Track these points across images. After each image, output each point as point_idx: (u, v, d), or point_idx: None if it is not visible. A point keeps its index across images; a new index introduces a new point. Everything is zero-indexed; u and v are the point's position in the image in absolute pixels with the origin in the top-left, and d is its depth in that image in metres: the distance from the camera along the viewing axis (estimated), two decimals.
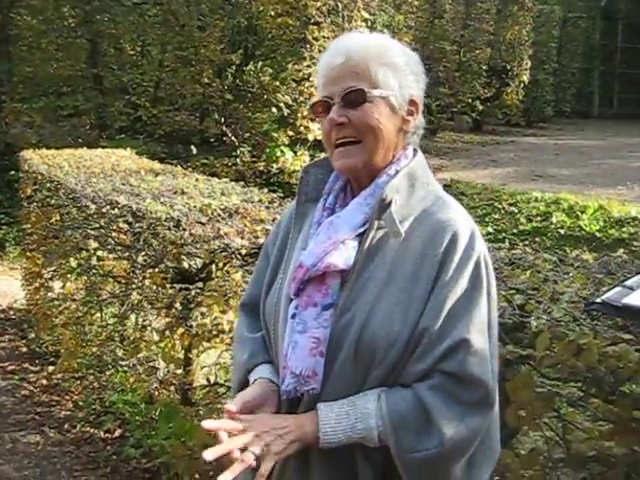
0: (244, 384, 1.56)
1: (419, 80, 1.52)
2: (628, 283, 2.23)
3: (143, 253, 3.58)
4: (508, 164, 12.29)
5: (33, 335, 5.64)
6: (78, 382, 4.73)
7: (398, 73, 1.46)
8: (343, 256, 1.43)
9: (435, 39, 14.60)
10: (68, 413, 4.45)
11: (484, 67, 17.72)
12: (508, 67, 18.89)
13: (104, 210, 3.90)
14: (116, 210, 3.74)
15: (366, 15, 9.69)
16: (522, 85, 19.35)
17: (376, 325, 1.37)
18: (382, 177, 1.47)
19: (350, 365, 1.39)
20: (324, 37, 9.07)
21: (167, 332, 3.37)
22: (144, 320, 3.59)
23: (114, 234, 3.80)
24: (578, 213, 8.38)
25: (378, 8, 10.14)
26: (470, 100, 17.02)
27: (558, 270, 2.59)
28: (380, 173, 1.48)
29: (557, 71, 24.81)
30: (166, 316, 3.33)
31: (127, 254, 3.81)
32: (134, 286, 3.95)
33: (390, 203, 1.41)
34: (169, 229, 3.29)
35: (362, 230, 1.44)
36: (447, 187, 10.24)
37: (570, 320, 2.04)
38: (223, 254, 3.02)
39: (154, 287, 3.52)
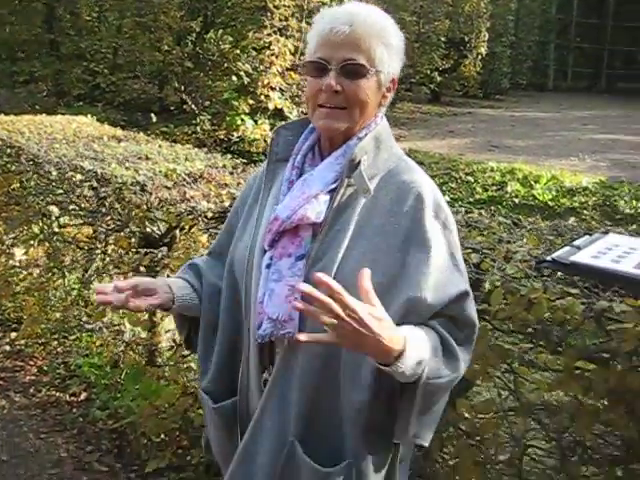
0: None
1: (401, 59, 1.62)
2: (576, 243, 2.40)
3: (108, 218, 3.61)
4: (465, 135, 12.50)
5: None
6: (42, 347, 4.74)
7: (390, 53, 1.56)
8: (315, 210, 1.53)
9: (395, 9, 14.64)
10: (33, 378, 4.48)
11: (442, 39, 17.86)
12: (466, 39, 19.07)
13: (68, 175, 3.90)
14: (79, 175, 3.75)
15: None
16: (480, 57, 19.58)
17: (346, 273, 1.47)
18: (353, 139, 1.58)
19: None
20: (285, 6, 9.04)
21: None
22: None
23: (77, 200, 3.81)
24: (532, 183, 8.63)
25: None
26: (428, 71, 17.18)
27: (512, 232, 2.74)
28: (351, 136, 1.59)
29: (514, 44, 25.11)
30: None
31: (91, 219, 3.83)
32: (98, 251, 3.99)
33: (359, 163, 1.52)
34: (135, 193, 3.33)
35: (333, 187, 1.55)
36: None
37: (522, 277, 2.19)
38: (190, 217, 3.08)
39: (120, 251, 3.57)
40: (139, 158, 3.98)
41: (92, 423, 3.90)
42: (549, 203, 8.19)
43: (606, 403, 2.02)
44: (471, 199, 8.34)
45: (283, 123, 1.77)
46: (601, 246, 2.33)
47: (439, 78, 17.41)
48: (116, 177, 3.46)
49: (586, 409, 2.06)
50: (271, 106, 10.50)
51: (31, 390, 4.31)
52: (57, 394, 4.25)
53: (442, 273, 1.50)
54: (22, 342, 4.91)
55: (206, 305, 1.76)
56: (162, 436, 3.47)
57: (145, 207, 3.26)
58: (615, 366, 1.98)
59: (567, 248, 2.32)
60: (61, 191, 4.15)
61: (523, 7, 26.70)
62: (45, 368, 4.55)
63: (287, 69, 9.45)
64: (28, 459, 3.58)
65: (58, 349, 4.63)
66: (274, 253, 1.56)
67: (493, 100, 20.93)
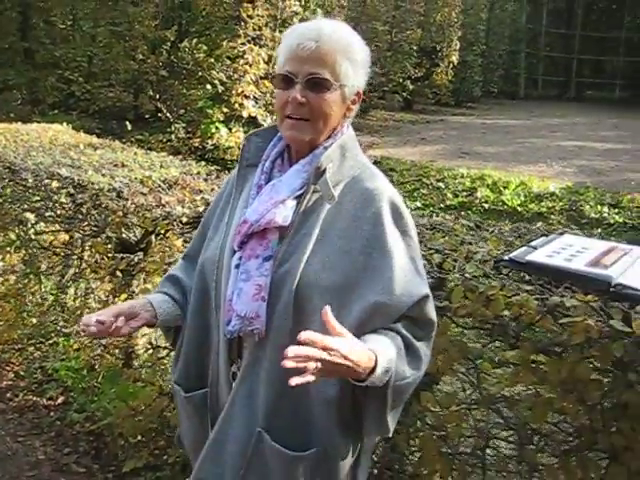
0: None
1: (366, 73, 1.72)
2: (533, 243, 2.55)
3: (85, 223, 3.68)
4: (437, 142, 12.70)
5: None
6: (18, 353, 4.78)
7: (355, 68, 1.65)
8: (282, 214, 1.63)
9: (367, 19, 14.83)
10: (10, 383, 4.51)
11: (415, 48, 18.11)
12: (438, 48, 19.36)
13: (44, 183, 3.97)
14: (56, 183, 3.82)
15: None
16: (451, 66, 19.88)
17: (311, 274, 1.58)
18: (319, 148, 1.68)
19: (291, 308, 1.59)
20: (258, 15, 9.15)
21: (110, 298, 3.50)
22: (87, 288, 3.71)
23: (54, 206, 3.88)
24: (501, 189, 8.82)
25: None
26: (401, 80, 17.40)
27: (474, 234, 2.88)
28: (318, 145, 1.69)
29: (485, 53, 25.51)
30: (109, 282, 3.46)
31: (67, 226, 3.90)
32: (75, 257, 4.05)
33: (324, 171, 1.63)
34: (111, 199, 3.42)
35: (300, 193, 1.65)
36: (377, 163, 10.53)
37: (481, 275, 2.32)
38: (165, 222, 3.17)
39: (97, 256, 3.64)
40: (115, 165, 4.06)
41: (69, 426, 3.95)
42: (517, 208, 8.39)
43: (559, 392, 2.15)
44: (442, 205, 8.50)
45: (254, 130, 1.86)
46: (556, 246, 2.48)
47: (411, 86, 17.65)
48: (93, 184, 3.54)
49: (541, 399, 2.19)
50: (245, 114, 10.60)
51: (8, 395, 4.34)
52: (34, 398, 4.29)
53: (405, 277, 1.60)
54: None
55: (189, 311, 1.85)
56: (139, 437, 3.53)
57: (121, 213, 3.34)
58: (566, 358, 2.11)
59: (524, 248, 2.47)
60: (37, 198, 4.20)
61: (494, 17, 27.15)
62: (22, 373, 4.58)
63: (261, 77, 9.56)
64: (6, 462, 3.63)
65: (35, 354, 4.66)
66: (243, 254, 1.65)
67: (465, 108, 21.25)
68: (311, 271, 1.59)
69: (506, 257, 2.37)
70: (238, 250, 1.67)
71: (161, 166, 4.14)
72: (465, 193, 8.83)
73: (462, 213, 7.82)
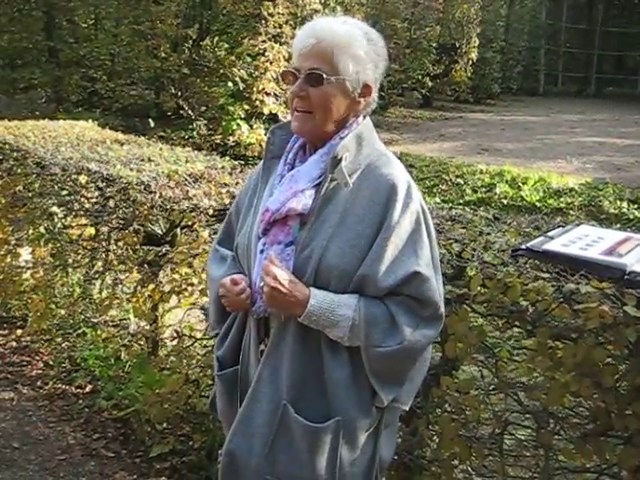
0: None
1: (378, 66, 1.81)
2: (550, 234, 2.62)
3: (114, 216, 3.79)
4: (456, 138, 12.70)
5: (0, 301, 5.77)
6: (47, 343, 4.92)
7: (358, 63, 1.74)
8: (301, 202, 1.74)
9: (386, 16, 14.87)
10: (39, 372, 4.64)
11: (434, 44, 18.10)
12: (457, 45, 19.32)
13: (72, 177, 4.09)
14: (85, 177, 3.94)
15: None
16: (470, 62, 19.84)
17: (330, 258, 1.70)
18: (336, 139, 1.78)
19: None
20: (279, 13, 9.24)
21: (138, 289, 3.62)
22: (115, 280, 3.82)
23: (81, 200, 3.99)
24: (520, 184, 8.83)
25: None
26: (420, 77, 17.42)
27: (492, 226, 2.95)
28: (334, 136, 1.79)
29: (504, 49, 25.37)
30: (138, 273, 3.58)
31: (95, 219, 4.01)
32: (102, 249, 4.17)
33: (341, 160, 1.73)
34: (140, 192, 3.52)
35: (318, 182, 1.76)
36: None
37: (499, 263, 2.40)
38: (192, 214, 3.28)
39: (124, 248, 3.75)
40: (142, 160, 4.16)
41: (98, 413, 4.07)
42: (536, 204, 8.40)
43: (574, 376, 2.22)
44: (461, 201, 8.53)
45: (278, 124, 1.96)
46: (572, 236, 2.55)
47: (430, 83, 17.65)
48: (121, 178, 3.65)
49: (557, 383, 2.26)
50: (266, 111, 10.71)
51: (38, 383, 4.48)
52: (63, 386, 4.42)
53: (396, 256, 1.70)
54: (28, 338, 5.09)
55: None
56: (165, 423, 3.65)
57: (149, 205, 3.45)
58: (582, 343, 2.18)
59: (541, 238, 2.54)
60: (66, 192, 4.32)
61: (513, 13, 27.00)
62: (51, 362, 4.72)
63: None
64: (39, 446, 3.76)
65: (63, 344, 4.80)
66: (266, 240, 1.78)
67: (484, 105, 21.19)
68: (330, 255, 1.69)
69: (523, 246, 2.44)
70: (262, 236, 1.79)
71: (187, 161, 4.24)
72: (484, 189, 8.86)
73: (481, 209, 7.84)
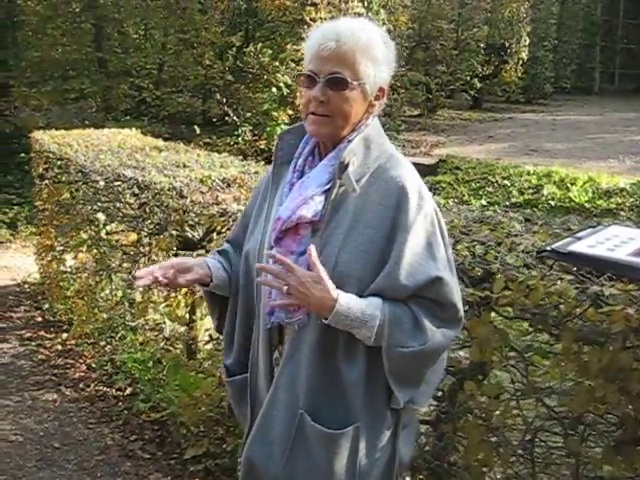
0: None
1: (390, 68, 1.78)
2: (578, 235, 2.54)
3: (149, 222, 3.86)
4: (504, 139, 12.48)
5: (47, 305, 5.96)
6: (91, 346, 5.05)
7: (376, 65, 1.72)
8: (312, 209, 1.72)
9: (432, 18, 14.73)
10: (82, 374, 4.78)
11: (482, 45, 17.83)
12: (507, 44, 18.99)
13: (112, 184, 4.18)
14: (119, 183, 4.03)
15: None
16: (521, 62, 19.47)
17: (342, 265, 1.68)
18: (344, 143, 1.76)
19: None
20: (321, 18, 9.25)
21: (172, 292, 3.67)
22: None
23: (120, 205, 4.08)
24: (568, 185, 8.61)
25: None
26: (468, 78, 17.19)
27: (522, 227, 2.88)
28: (344, 140, 1.76)
29: (557, 47, 24.79)
30: None
31: (134, 224, 4.10)
32: (141, 254, 4.25)
33: (348, 165, 1.70)
34: (172, 198, 3.58)
35: (328, 187, 1.74)
36: (442, 162, 10.47)
37: (521, 265, 2.34)
38: (221, 219, 3.31)
39: (160, 252, 3.81)
40: (177, 166, 4.23)
41: (136, 415, 4.16)
42: (585, 205, 8.18)
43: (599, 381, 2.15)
44: (507, 202, 8.38)
45: (287, 128, 1.96)
46: (601, 237, 2.46)
47: (479, 84, 17.39)
48: (155, 184, 3.71)
49: (582, 388, 2.20)
50: None
51: (80, 385, 4.61)
52: (104, 389, 4.54)
53: (415, 260, 1.67)
54: (73, 342, 5.24)
55: (233, 288, 1.96)
56: (200, 426, 3.69)
57: (182, 211, 3.50)
58: (607, 347, 2.11)
59: (569, 239, 2.46)
60: (106, 199, 4.44)
61: (566, 10, 26.36)
62: (93, 365, 4.85)
63: None
64: (78, 446, 3.86)
65: (106, 348, 4.92)
66: (280, 250, 1.75)
67: (536, 105, 20.76)
68: (342, 262, 1.68)
69: (548, 248, 2.37)
70: (275, 246, 1.77)
71: (221, 166, 4.29)
72: (531, 190, 8.67)
73: (527, 211, 7.69)
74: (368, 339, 1.66)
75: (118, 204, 4.24)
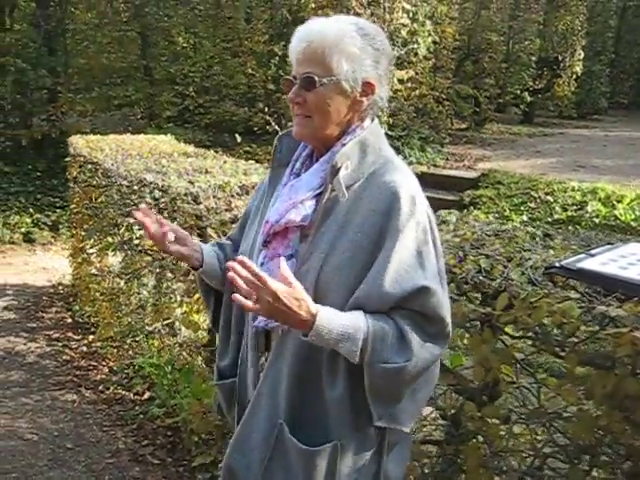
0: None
1: (379, 61, 1.70)
2: (593, 251, 2.41)
3: None
4: (552, 155, 12.16)
5: (77, 307, 6.05)
6: (115, 349, 5.08)
7: (353, 60, 1.65)
8: (301, 214, 1.67)
9: (482, 30, 14.50)
10: (103, 377, 4.81)
11: (534, 58, 17.46)
12: (560, 58, 18.57)
13: (135, 187, 4.20)
14: (141, 187, 4.04)
15: (407, 6, 9.77)
16: (575, 76, 18.99)
17: (329, 272, 1.61)
18: (337, 146, 1.70)
19: None
20: None
21: (186, 297, 3.65)
22: (167, 288, 3.88)
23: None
24: (614, 202, 8.31)
25: None
26: (519, 92, 16.85)
27: (537, 242, 2.76)
28: (337, 142, 1.71)
29: (614, 62, 24.15)
30: (184, 282, 3.61)
31: None
32: (160, 258, 4.25)
33: (340, 169, 1.64)
34: (188, 203, 3.56)
35: (319, 191, 1.68)
36: (484, 176, 10.26)
37: (525, 282, 2.22)
38: (234, 225, 3.27)
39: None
40: (200, 172, 4.22)
41: (151, 420, 4.15)
42: (632, 223, 7.86)
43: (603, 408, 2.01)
44: (549, 219, 8.14)
45: (286, 131, 1.89)
46: (615, 254, 2.33)
47: (530, 98, 17.02)
48: (172, 188, 3.71)
49: (586, 414, 2.06)
50: None
51: (100, 387, 4.64)
52: (123, 392, 4.55)
53: (402, 268, 1.58)
54: (98, 344, 5.29)
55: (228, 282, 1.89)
56: (209, 434, 3.65)
57: (196, 215, 3.48)
58: (613, 371, 1.97)
59: (581, 255, 2.34)
60: (131, 202, 4.46)
61: (625, 24, 25.66)
62: (115, 368, 4.88)
63: None
64: (90, 448, 3.87)
65: (129, 351, 4.94)
66: (267, 254, 1.72)
67: (589, 120, 20.21)
68: (329, 269, 1.61)
69: (557, 264, 2.25)
70: (263, 249, 1.73)
71: (244, 173, 4.26)
72: (575, 207, 8.39)
73: (569, 228, 7.46)
74: (354, 354, 1.56)
75: (135, 209, 4.24)
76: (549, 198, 8.74)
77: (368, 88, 1.69)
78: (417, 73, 10.93)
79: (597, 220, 7.99)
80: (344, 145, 1.68)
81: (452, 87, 13.35)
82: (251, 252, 1.78)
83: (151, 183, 3.96)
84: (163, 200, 3.86)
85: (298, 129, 1.71)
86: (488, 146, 13.60)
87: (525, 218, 8.35)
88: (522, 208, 8.79)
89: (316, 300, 1.60)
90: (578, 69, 18.82)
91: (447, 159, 11.86)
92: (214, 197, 3.53)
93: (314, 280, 1.61)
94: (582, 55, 18.93)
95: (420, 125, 12.07)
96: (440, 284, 1.64)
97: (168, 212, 3.86)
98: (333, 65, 1.64)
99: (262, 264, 1.71)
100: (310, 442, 1.65)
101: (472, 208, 9.00)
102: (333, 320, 1.54)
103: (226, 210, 3.34)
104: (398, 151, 11.05)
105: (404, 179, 1.67)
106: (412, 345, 1.57)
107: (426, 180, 11.29)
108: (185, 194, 3.62)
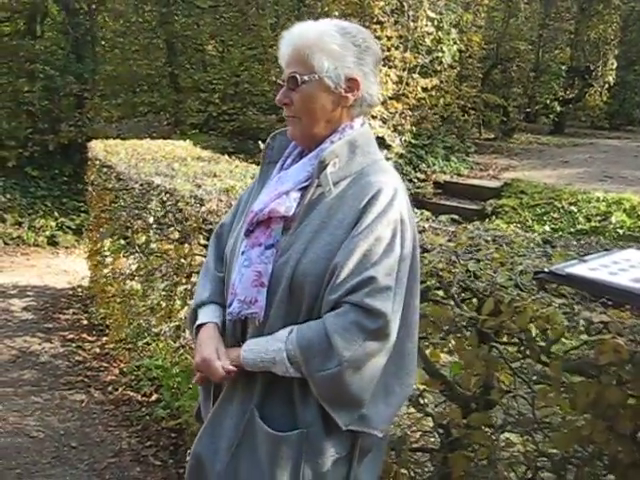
0: (195, 313, 1.89)
1: (362, 58, 1.73)
2: (587, 257, 2.36)
3: (172, 228, 3.89)
4: (580, 165, 11.96)
5: (93, 309, 6.13)
6: (127, 351, 5.13)
7: (334, 57, 1.70)
8: (285, 205, 1.70)
9: (510, 39, 14.37)
10: (113, 378, 4.86)
11: (564, 67, 17.23)
12: (592, 67, 18.29)
13: (143, 191, 4.25)
14: (150, 190, 4.08)
15: (432, 14, 9.75)
16: (607, 86, 18.68)
17: (306, 263, 1.64)
18: (326, 143, 1.74)
19: (287, 296, 1.66)
20: (387, 36, 9.22)
21: (187, 300, 3.67)
22: (170, 291, 3.90)
23: (148, 212, 4.13)
24: None
25: (445, 7, 10.16)
26: (548, 101, 16.64)
27: (532, 248, 2.71)
28: (326, 140, 1.75)
29: None
30: (186, 284, 3.63)
31: (160, 231, 4.14)
32: (174, 260, 4.28)
33: (327, 165, 1.68)
34: (191, 206, 3.59)
35: (304, 185, 1.72)
36: (507, 185, 10.14)
37: (510, 286, 2.18)
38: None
39: (181, 260, 3.83)
40: (208, 176, 4.25)
41: (156, 421, 4.18)
42: None
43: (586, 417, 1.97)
44: (572, 229, 8.01)
45: (280, 130, 1.92)
46: (608, 260, 2.29)
47: (560, 108, 16.77)
48: (176, 191, 3.74)
49: (568, 423, 2.02)
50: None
51: (109, 388, 4.69)
52: (131, 393, 4.59)
53: (359, 260, 1.61)
54: (111, 345, 5.35)
55: None
56: None
57: (196, 218, 3.50)
58: (597, 379, 1.93)
59: (573, 261, 2.30)
60: (142, 205, 4.50)
61: None
62: (125, 370, 4.93)
63: (389, 98, 9.59)
64: (94, 448, 3.91)
65: (140, 353, 4.98)
66: (248, 242, 1.74)
67: (622, 131, 19.79)
68: (307, 261, 1.64)
69: (546, 269, 2.22)
70: (245, 237, 1.76)
71: (252, 177, 4.28)
72: (598, 218, 8.23)
73: (592, 238, 7.31)
74: (286, 373, 1.64)
75: (149, 211, 4.29)
76: (573, 208, 8.60)
77: (353, 84, 1.72)
78: (442, 82, 10.89)
79: (621, 231, 7.84)
80: (332, 143, 1.72)
81: (479, 96, 13.25)
82: (234, 243, 1.82)
83: (158, 186, 4.00)
84: (169, 204, 3.90)
85: (290, 130, 1.79)
86: (515, 156, 13.43)
87: (547, 228, 8.24)
88: (545, 218, 8.66)
89: (292, 291, 1.65)
90: (611, 79, 18.48)
91: (472, 168, 11.76)
92: (218, 200, 3.54)
93: (291, 271, 1.64)
94: (615, 64, 18.60)
95: (445, 134, 12.00)
96: (392, 282, 1.63)
97: (173, 214, 3.90)
98: (315, 63, 1.69)
99: (243, 252, 1.74)
100: (279, 428, 1.67)
101: (494, 217, 8.92)
102: (254, 349, 1.68)
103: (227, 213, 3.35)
104: (422, 159, 10.99)
105: (389, 180, 1.71)
106: (339, 350, 1.58)
107: (448, 189, 11.28)
108: (190, 197, 3.64)
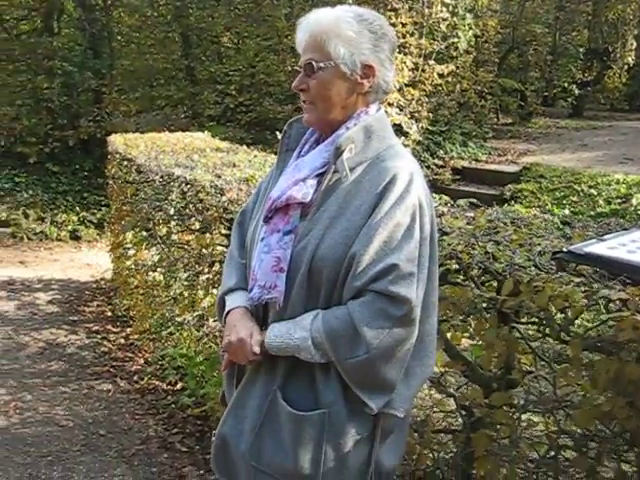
0: (222, 300, 1.93)
1: (378, 45, 1.75)
2: (604, 237, 2.38)
3: (193, 219, 3.94)
4: (599, 148, 11.84)
5: (117, 301, 6.22)
6: (151, 342, 5.21)
7: (350, 44, 1.72)
8: (302, 191, 1.73)
9: (526, 22, 14.22)
10: (138, 367, 4.94)
11: (582, 50, 17.01)
12: (610, 49, 18.05)
13: (164, 182, 4.30)
14: (170, 181, 4.13)
15: (447, 0, 9.71)
16: (626, 67, 18.44)
17: (324, 249, 1.66)
18: (342, 129, 1.76)
19: (306, 281, 1.69)
20: (402, 23, 9.18)
21: (210, 289, 3.72)
22: (193, 280, 3.96)
23: (169, 203, 4.18)
24: None
25: None
26: (566, 84, 16.45)
27: (552, 230, 2.72)
28: (341, 126, 1.77)
29: None
30: (208, 273, 3.69)
31: (182, 222, 4.19)
32: (195, 251, 4.34)
33: (343, 151, 1.69)
34: (211, 196, 3.64)
35: (321, 171, 1.74)
36: (526, 170, 10.08)
37: (529, 266, 2.20)
38: None
39: (202, 249, 3.87)
40: (228, 166, 4.29)
41: (181, 409, 4.25)
42: None
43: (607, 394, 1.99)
44: (592, 212, 7.95)
45: (296, 117, 1.95)
46: (627, 239, 2.30)
47: (579, 91, 16.57)
48: (196, 181, 3.78)
49: (588, 400, 2.04)
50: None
51: (135, 378, 4.77)
52: (156, 382, 4.67)
53: (379, 247, 1.63)
54: (135, 336, 5.43)
55: None
56: None
57: (217, 208, 3.54)
58: (617, 356, 1.95)
59: (592, 240, 2.31)
60: (163, 197, 4.56)
61: None
62: (150, 359, 5.01)
63: (406, 85, 9.56)
64: (121, 435, 3.99)
65: (164, 343, 5.06)
66: (267, 228, 1.77)
67: None
68: (325, 246, 1.67)
69: (565, 249, 2.23)
70: (264, 223, 1.79)
71: (271, 166, 4.31)
72: (619, 200, 8.16)
73: (612, 220, 7.26)
74: (312, 359, 1.67)
75: (171, 202, 4.35)
76: (592, 191, 8.54)
77: (369, 71, 1.74)
78: (458, 67, 10.83)
79: None
80: (348, 129, 1.74)
81: (496, 81, 13.14)
82: (254, 229, 1.85)
83: (179, 177, 4.04)
84: (189, 194, 3.94)
85: (306, 117, 1.80)
86: (533, 140, 13.33)
87: (567, 212, 8.18)
88: (564, 202, 8.61)
89: (311, 276, 1.68)
90: (630, 60, 18.23)
91: (490, 154, 11.69)
92: (238, 189, 3.58)
93: (310, 257, 1.67)
94: (634, 45, 18.34)
95: (462, 120, 11.94)
96: (414, 268, 1.65)
97: (194, 204, 3.95)
98: (331, 50, 1.71)
99: (262, 239, 1.77)
100: (301, 408, 1.70)
101: (513, 202, 8.88)
102: (279, 335, 1.71)
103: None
104: (439, 146, 10.96)
105: (405, 164, 1.73)
106: (366, 336, 1.61)
107: (467, 174, 11.24)
108: (210, 186, 3.69)
